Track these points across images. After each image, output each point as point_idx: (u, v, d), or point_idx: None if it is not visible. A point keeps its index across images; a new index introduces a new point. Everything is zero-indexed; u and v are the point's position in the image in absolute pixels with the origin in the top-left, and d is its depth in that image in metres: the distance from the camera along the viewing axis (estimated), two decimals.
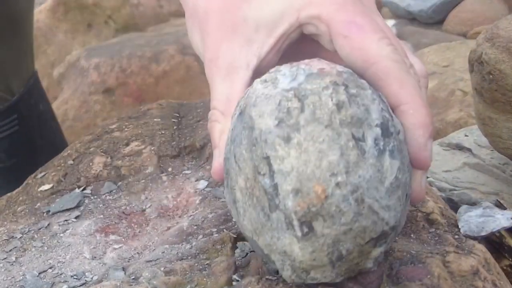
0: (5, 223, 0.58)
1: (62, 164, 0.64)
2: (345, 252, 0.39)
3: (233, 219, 0.45)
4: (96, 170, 0.62)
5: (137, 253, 0.51)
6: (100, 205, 0.58)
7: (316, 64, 0.41)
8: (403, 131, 0.41)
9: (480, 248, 0.48)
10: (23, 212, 0.59)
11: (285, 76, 0.40)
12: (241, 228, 0.43)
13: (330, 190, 0.37)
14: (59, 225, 0.56)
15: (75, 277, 0.49)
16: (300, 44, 0.48)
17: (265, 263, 0.45)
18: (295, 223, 0.38)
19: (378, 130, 0.39)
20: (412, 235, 0.49)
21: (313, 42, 0.47)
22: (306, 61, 0.41)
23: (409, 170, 0.41)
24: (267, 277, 0.44)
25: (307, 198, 0.37)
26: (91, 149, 0.65)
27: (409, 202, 0.42)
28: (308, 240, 0.39)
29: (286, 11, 0.46)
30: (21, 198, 0.62)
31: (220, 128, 0.46)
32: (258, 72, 0.46)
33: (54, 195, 0.61)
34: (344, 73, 0.40)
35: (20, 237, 0.55)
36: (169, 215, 0.56)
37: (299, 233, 0.38)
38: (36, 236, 0.55)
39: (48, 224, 0.56)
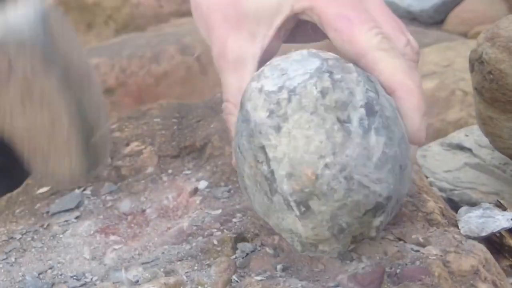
0: (5, 223, 0.58)
1: None
2: (345, 225, 0.42)
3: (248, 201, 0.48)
4: (96, 170, 0.62)
5: (137, 253, 0.51)
6: (100, 206, 0.58)
7: (305, 55, 0.44)
8: (393, 106, 0.44)
9: (481, 248, 0.48)
10: (22, 213, 0.59)
11: (276, 70, 0.43)
12: (255, 211, 0.47)
13: (319, 171, 0.41)
14: (59, 226, 0.56)
15: (75, 277, 0.49)
16: (302, 22, 0.51)
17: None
18: (293, 204, 0.42)
19: (362, 111, 0.42)
20: (412, 235, 0.49)
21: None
22: (297, 52, 0.44)
23: (403, 143, 0.44)
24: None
25: (300, 181, 0.41)
26: None
27: (408, 172, 0.45)
28: (307, 218, 0.42)
29: (282, 4, 0.49)
30: (20, 199, 0.62)
31: (235, 120, 0.49)
32: (262, 60, 0.50)
33: (53, 196, 0.60)
34: (330, 59, 0.43)
35: (20, 238, 0.55)
36: (169, 215, 0.56)
37: (298, 213, 0.42)
38: (35, 236, 0.55)
39: (48, 225, 0.56)
